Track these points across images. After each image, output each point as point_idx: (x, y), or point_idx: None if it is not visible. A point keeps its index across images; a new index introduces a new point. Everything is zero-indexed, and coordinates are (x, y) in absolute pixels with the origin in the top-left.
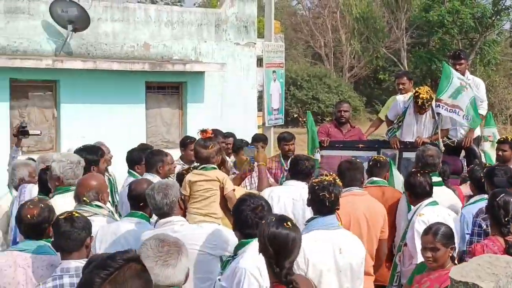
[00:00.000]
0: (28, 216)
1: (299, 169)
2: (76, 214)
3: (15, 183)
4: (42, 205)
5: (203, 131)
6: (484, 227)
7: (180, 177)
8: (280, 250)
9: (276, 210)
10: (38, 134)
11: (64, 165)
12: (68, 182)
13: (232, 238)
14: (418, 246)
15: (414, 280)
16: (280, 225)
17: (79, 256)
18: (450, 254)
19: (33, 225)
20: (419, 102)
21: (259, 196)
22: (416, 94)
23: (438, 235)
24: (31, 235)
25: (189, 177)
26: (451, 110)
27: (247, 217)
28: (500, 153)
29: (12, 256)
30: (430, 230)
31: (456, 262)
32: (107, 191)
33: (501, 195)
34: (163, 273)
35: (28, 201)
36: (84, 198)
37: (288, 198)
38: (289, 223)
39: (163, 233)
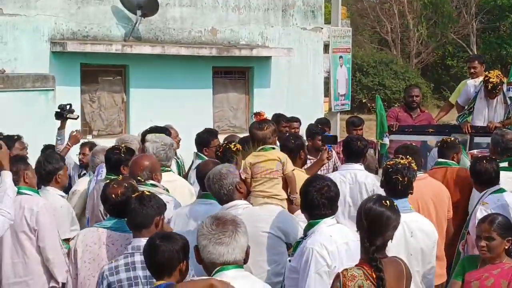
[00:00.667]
0: (113, 195)
1: (351, 150)
2: (147, 193)
3: (94, 168)
4: (126, 185)
5: (257, 114)
6: None
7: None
8: (373, 226)
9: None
10: (74, 118)
11: (158, 146)
12: (162, 163)
13: (292, 219)
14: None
15: (469, 276)
16: (378, 202)
17: (149, 234)
18: (506, 247)
19: (117, 204)
20: (489, 87)
21: (325, 177)
22: (486, 78)
23: (494, 224)
24: (115, 213)
25: (249, 159)
26: None
27: (314, 198)
28: None
29: (97, 233)
30: (487, 219)
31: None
32: (160, 170)
33: None
34: (217, 250)
35: (112, 180)
36: (139, 178)
37: (345, 183)
38: (387, 202)
39: (223, 211)
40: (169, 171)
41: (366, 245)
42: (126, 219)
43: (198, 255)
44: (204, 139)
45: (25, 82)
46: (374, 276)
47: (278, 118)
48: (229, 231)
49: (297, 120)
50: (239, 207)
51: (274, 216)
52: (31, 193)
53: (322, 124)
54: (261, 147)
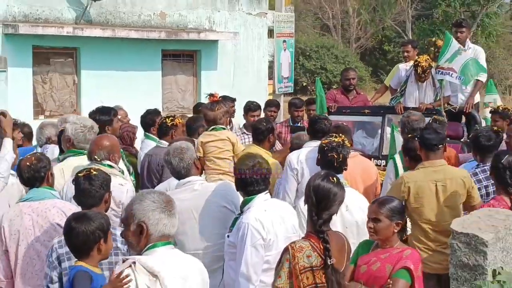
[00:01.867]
0: (27, 163)
1: (318, 128)
2: (94, 172)
3: (42, 142)
4: (39, 154)
5: (211, 95)
6: None
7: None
8: (320, 201)
9: (306, 172)
10: None
11: (76, 128)
12: (80, 145)
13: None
14: None
15: (360, 260)
16: (326, 178)
17: (98, 210)
18: (396, 230)
19: (33, 172)
20: (419, 71)
21: (256, 154)
22: (416, 63)
23: (383, 206)
24: (30, 184)
25: (200, 138)
26: (445, 73)
27: (246, 176)
28: (493, 123)
29: (18, 207)
30: (377, 201)
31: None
32: (119, 152)
33: (506, 157)
34: (171, 222)
35: (27, 154)
36: (96, 157)
37: (312, 159)
38: (334, 178)
39: (181, 193)
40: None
41: (314, 218)
42: (50, 188)
43: (142, 234)
44: (149, 119)
45: None
46: (321, 247)
47: (225, 99)
48: (173, 204)
49: (257, 106)
50: (195, 183)
51: (228, 191)
52: None
53: (274, 106)
54: (213, 127)
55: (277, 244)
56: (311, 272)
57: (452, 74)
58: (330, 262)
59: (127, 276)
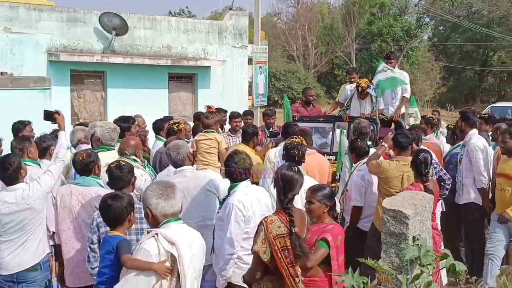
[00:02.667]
0: (80, 158)
1: (290, 131)
2: (123, 162)
3: (74, 143)
4: (89, 151)
5: (208, 107)
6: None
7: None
8: (286, 185)
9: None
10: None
11: (103, 130)
12: (107, 143)
13: (224, 182)
14: (354, 192)
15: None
16: (289, 168)
17: (128, 191)
18: (325, 210)
19: (83, 165)
20: (360, 90)
21: (242, 151)
22: (358, 84)
23: (314, 192)
24: (80, 173)
25: (196, 137)
26: (370, 87)
27: (234, 168)
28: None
29: (69, 187)
30: (311, 188)
31: (338, 220)
32: (141, 149)
33: (422, 153)
34: (169, 203)
35: (80, 150)
36: (126, 152)
37: None
38: (296, 168)
39: (176, 179)
40: (113, 149)
41: (281, 198)
42: (96, 177)
43: (148, 216)
44: (159, 125)
45: (28, 83)
46: (287, 220)
47: (218, 111)
48: (171, 189)
49: (238, 114)
50: (187, 171)
51: (211, 178)
52: (32, 164)
53: (249, 115)
54: (205, 130)
55: (254, 219)
56: (283, 238)
57: (371, 87)
58: (294, 230)
59: (165, 260)
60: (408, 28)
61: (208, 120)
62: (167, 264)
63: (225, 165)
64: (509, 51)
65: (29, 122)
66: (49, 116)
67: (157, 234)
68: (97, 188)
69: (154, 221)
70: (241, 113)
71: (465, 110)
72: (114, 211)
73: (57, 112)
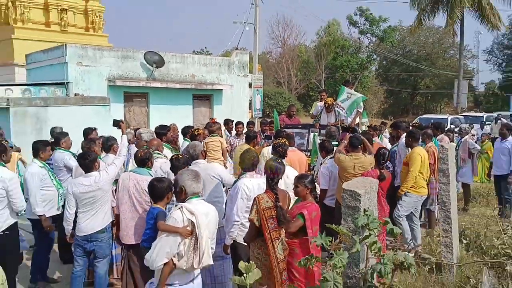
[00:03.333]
0: (139, 154)
1: (279, 135)
2: (180, 156)
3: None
4: (146, 150)
5: (212, 119)
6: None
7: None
8: (272, 173)
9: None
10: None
11: (148, 135)
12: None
13: (225, 171)
14: (321, 179)
15: (292, 208)
16: (275, 161)
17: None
18: (307, 192)
19: (141, 159)
20: (327, 106)
21: (252, 150)
22: (325, 102)
23: (300, 179)
24: (139, 164)
25: (205, 140)
26: (340, 108)
27: (245, 161)
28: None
29: (129, 174)
30: (297, 176)
31: (318, 197)
32: (162, 147)
33: (382, 149)
34: (197, 185)
35: (140, 148)
36: (152, 148)
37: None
38: (280, 160)
39: (192, 168)
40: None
41: (270, 181)
42: (149, 168)
43: (182, 192)
44: (185, 131)
45: (94, 101)
46: (274, 197)
47: (227, 120)
48: (198, 175)
49: (241, 123)
50: (201, 163)
51: (216, 168)
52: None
53: (251, 123)
54: (211, 135)
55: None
56: (269, 209)
57: (343, 111)
58: (278, 204)
59: (187, 225)
60: (361, 62)
61: (212, 128)
62: (189, 228)
63: (240, 158)
64: (432, 79)
65: (95, 128)
66: (116, 123)
67: (182, 207)
68: (148, 176)
69: (184, 196)
70: (245, 122)
71: (395, 122)
72: (157, 189)
73: (122, 121)
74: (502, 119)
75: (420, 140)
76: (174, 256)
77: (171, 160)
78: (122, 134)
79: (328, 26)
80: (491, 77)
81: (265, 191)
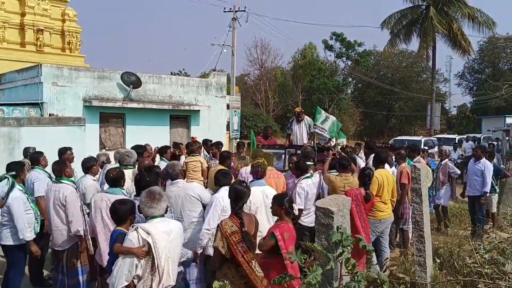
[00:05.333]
0: (111, 175)
1: (258, 155)
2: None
3: (99, 163)
4: (118, 170)
5: (192, 138)
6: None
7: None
8: (236, 196)
9: (249, 178)
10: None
11: (103, 157)
12: (124, 163)
13: (204, 191)
14: (297, 198)
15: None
16: (240, 184)
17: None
18: (282, 211)
19: (113, 179)
20: (296, 114)
21: (226, 170)
22: (294, 111)
23: (274, 199)
24: (110, 184)
25: (186, 160)
26: (321, 130)
27: (218, 178)
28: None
29: (100, 195)
30: (273, 197)
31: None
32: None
33: (367, 170)
34: (152, 210)
35: (111, 168)
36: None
37: None
38: (244, 184)
39: (171, 188)
40: (131, 167)
41: (233, 206)
42: (117, 187)
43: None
44: (163, 151)
45: (69, 121)
46: (238, 222)
47: (206, 140)
48: (155, 199)
49: (219, 143)
50: (180, 182)
51: (195, 188)
52: (68, 182)
53: (219, 144)
54: (192, 154)
55: (228, 210)
56: (237, 233)
57: (325, 132)
58: (244, 229)
59: (143, 246)
60: (337, 85)
61: (192, 147)
62: (144, 248)
63: (215, 177)
64: (406, 102)
65: (70, 148)
66: (176, 145)
67: (137, 227)
68: (121, 195)
69: (146, 218)
70: (225, 143)
71: (368, 142)
72: (119, 212)
73: (181, 144)
74: (470, 141)
75: (394, 160)
76: (134, 278)
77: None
78: (181, 155)
79: (304, 49)
80: (463, 100)
81: (229, 216)
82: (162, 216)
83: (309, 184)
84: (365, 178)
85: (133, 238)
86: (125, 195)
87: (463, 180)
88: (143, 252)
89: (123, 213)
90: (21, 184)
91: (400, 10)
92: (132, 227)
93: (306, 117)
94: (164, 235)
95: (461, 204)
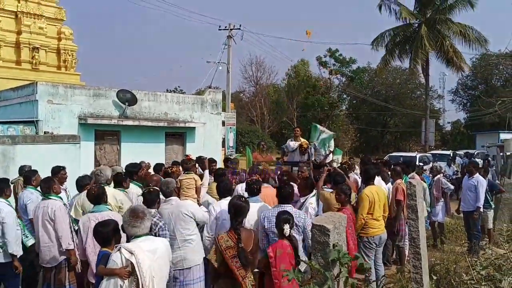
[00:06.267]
0: (92, 192)
1: (254, 171)
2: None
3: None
4: (98, 186)
5: (187, 155)
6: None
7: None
8: (236, 211)
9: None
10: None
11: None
12: (98, 181)
13: (198, 209)
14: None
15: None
16: (239, 199)
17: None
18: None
19: (95, 197)
20: (303, 149)
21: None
22: (301, 145)
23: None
24: (96, 202)
25: (180, 177)
26: (315, 146)
27: (220, 189)
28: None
29: (87, 216)
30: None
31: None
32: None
33: (346, 187)
34: (132, 230)
35: (91, 186)
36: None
37: None
38: (243, 198)
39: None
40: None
41: (233, 221)
42: (101, 204)
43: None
44: (158, 168)
45: (64, 139)
46: (235, 238)
47: (200, 157)
48: (139, 219)
49: (215, 160)
50: (173, 200)
51: (188, 206)
52: (56, 198)
53: (213, 161)
54: (186, 172)
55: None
56: (232, 248)
57: (316, 148)
58: (240, 245)
59: (126, 266)
60: (332, 102)
61: (187, 165)
62: (128, 269)
63: (217, 187)
64: (401, 118)
65: (64, 167)
66: (176, 164)
67: (120, 248)
68: (108, 211)
69: (130, 237)
70: (219, 160)
71: (363, 158)
72: (102, 234)
73: (205, 158)
74: (457, 157)
75: (390, 177)
76: None
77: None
78: (205, 169)
79: (295, 67)
80: (457, 116)
81: (228, 230)
82: (147, 234)
83: (314, 201)
84: (343, 189)
85: (116, 259)
86: (110, 209)
87: (458, 196)
88: (126, 273)
89: (105, 235)
90: (8, 200)
91: (393, 28)
92: (116, 247)
93: (310, 145)
94: (149, 254)
95: (457, 220)
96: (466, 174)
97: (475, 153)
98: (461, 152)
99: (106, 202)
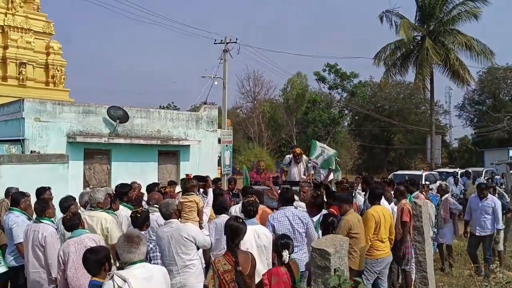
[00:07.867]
0: (66, 219)
1: (248, 192)
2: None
3: (82, 203)
4: (70, 214)
5: (187, 175)
6: None
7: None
8: (233, 233)
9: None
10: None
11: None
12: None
13: (199, 232)
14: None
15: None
16: (236, 220)
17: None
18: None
19: (71, 224)
20: (295, 155)
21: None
22: (294, 151)
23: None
24: (71, 229)
25: (180, 199)
26: (314, 164)
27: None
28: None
29: (67, 242)
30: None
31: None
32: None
33: (331, 218)
34: (130, 255)
35: (65, 214)
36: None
37: None
38: (240, 219)
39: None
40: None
41: (229, 243)
42: (79, 228)
43: (118, 256)
44: (151, 189)
45: (51, 158)
46: (233, 261)
47: (203, 177)
48: (135, 244)
49: (220, 179)
50: (173, 223)
51: (188, 229)
52: (48, 222)
53: (219, 181)
54: (186, 193)
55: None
56: (229, 272)
57: (316, 167)
58: (238, 268)
59: None
60: (333, 117)
61: (186, 186)
62: None
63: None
64: (405, 134)
65: (49, 188)
66: (203, 179)
67: (113, 275)
68: (87, 234)
69: (124, 264)
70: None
71: (365, 177)
72: (91, 262)
73: (208, 177)
74: (457, 176)
75: (393, 197)
76: None
77: (130, 216)
78: (209, 187)
79: (291, 82)
80: (464, 132)
81: (224, 253)
82: (142, 261)
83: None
84: (329, 227)
85: (108, 287)
86: (88, 232)
87: (462, 216)
88: None
89: (94, 263)
90: None
91: (394, 41)
92: (109, 275)
93: (304, 156)
94: (144, 282)
95: (465, 243)
96: (472, 196)
97: (483, 171)
98: (455, 170)
99: (83, 227)
